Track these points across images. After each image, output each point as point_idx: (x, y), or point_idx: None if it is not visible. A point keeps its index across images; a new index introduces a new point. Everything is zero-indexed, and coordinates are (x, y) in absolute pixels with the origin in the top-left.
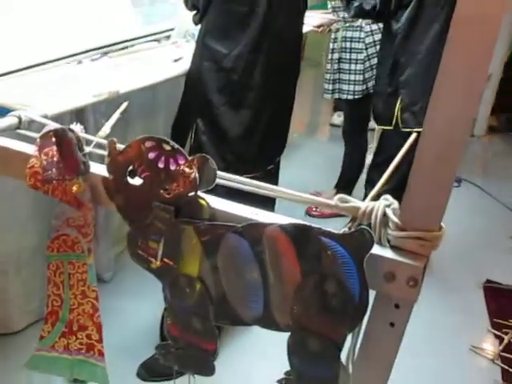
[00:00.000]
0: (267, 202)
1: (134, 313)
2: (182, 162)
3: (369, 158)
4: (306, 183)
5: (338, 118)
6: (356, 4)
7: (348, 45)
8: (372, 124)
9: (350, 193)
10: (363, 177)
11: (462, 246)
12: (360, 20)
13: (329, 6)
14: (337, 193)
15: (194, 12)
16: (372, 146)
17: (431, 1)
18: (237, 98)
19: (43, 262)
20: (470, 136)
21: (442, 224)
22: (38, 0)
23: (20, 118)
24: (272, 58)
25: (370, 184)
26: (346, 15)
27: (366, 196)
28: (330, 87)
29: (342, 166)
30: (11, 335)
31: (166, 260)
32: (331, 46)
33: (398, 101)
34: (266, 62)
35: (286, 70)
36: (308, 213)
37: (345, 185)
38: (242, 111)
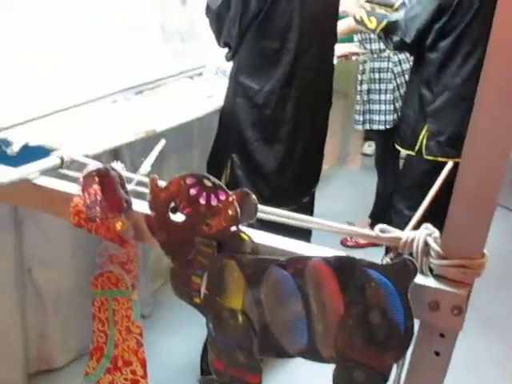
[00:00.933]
0: (304, 234)
1: (174, 347)
2: (223, 197)
3: None
4: (339, 214)
5: (369, 148)
6: (397, 38)
7: (377, 75)
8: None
9: (385, 222)
10: None
11: (500, 272)
12: (387, 51)
13: (355, 39)
14: (372, 223)
15: (227, 49)
16: None
17: (471, 34)
18: (270, 133)
19: (82, 299)
20: None
21: (484, 251)
22: (70, 43)
23: (62, 158)
24: (304, 92)
25: (392, 208)
26: (374, 47)
27: (389, 221)
28: (361, 118)
29: (376, 196)
30: (52, 372)
31: (209, 294)
32: (359, 77)
33: (425, 128)
34: (298, 96)
35: (317, 102)
36: (343, 243)
37: (380, 214)
38: (275, 146)
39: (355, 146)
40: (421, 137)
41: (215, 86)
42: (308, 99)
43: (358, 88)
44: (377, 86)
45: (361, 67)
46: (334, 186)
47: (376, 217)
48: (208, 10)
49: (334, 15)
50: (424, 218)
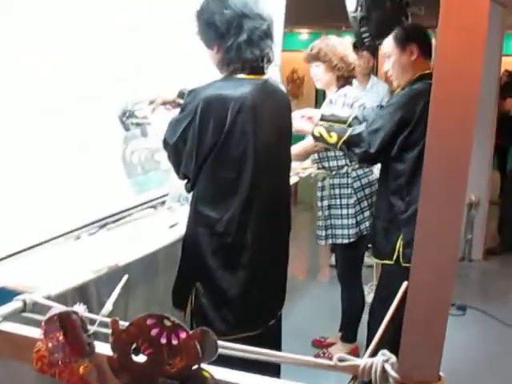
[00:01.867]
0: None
1: None
2: (183, 336)
3: (369, 296)
4: (311, 328)
5: None
6: (360, 150)
7: (337, 191)
8: (368, 261)
9: (355, 333)
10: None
11: (473, 375)
12: (346, 167)
13: (310, 158)
14: (342, 336)
15: (186, 181)
16: (372, 283)
17: None
18: (232, 260)
19: None
20: (468, 261)
21: (440, 373)
22: (29, 181)
23: (25, 302)
24: (263, 217)
25: (373, 320)
26: (332, 164)
27: (369, 331)
28: (323, 233)
29: (342, 309)
30: None
31: None
32: (319, 194)
33: (400, 237)
34: (257, 222)
35: (277, 226)
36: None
37: (349, 326)
38: (238, 272)
39: (323, 258)
40: (397, 246)
41: (178, 214)
42: (267, 223)
43: (319, 204)
44: (338, 202)
45: (320, 184)
46: (305, 300)
47: (346, 329)
48: (165, 144)
49: (288, 139)
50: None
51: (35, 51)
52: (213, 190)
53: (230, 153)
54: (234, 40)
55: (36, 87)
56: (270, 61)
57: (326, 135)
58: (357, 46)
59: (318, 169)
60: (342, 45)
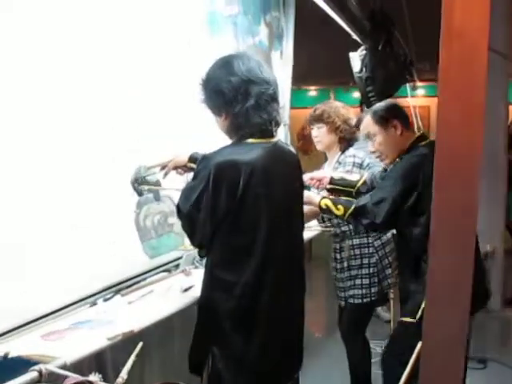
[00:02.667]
0: None
1: None
2: None
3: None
4: None
5: None
6: (367, 221)
7: (357, 251)
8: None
9: None
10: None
11: None
12: None
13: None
14: None
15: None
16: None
17: None
18: (248, 324)
19: None
20: (486, 312)
21: None
22: (44, 253)
23: (40, 372)
24: (278, 279)
25: (388, 376)
26: (346, 228)
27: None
28: (345, 294)
29: (350, 367)
30: None
31: None
32: (338, 255)
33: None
34: (274, 284)
35: (292, 287)
36: None
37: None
38: (254, 335)
39: None
40: (423, 305)
41: (193, 277)
42: (283, 285)
43: (338, 266)
44: (358, 262)
45: (337, 245)
46: (321, 357)
47: None
48: (179, 212)
49: (300, 199)
50: None
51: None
52: (228, 255)
53: (244, 217)
54: (242, 106)
55: (49, 151)
56: (277, 124)
57: (332, 208)
58: (363, 105)
59: (336, 234)
60: (344, 108)
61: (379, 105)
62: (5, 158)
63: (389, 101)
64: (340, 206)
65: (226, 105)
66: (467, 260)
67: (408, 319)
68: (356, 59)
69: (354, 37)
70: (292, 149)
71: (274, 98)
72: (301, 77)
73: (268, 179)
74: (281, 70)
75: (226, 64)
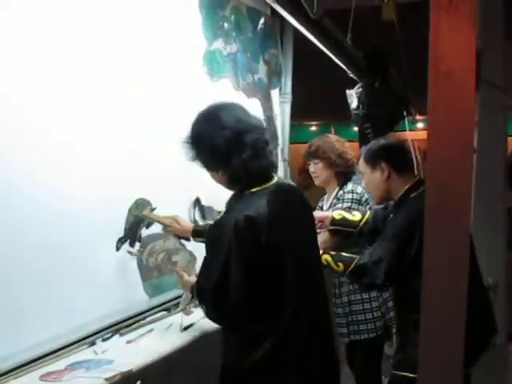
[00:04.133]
0: None
1: None
2: None
3: None
4: None
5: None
6: (366, 281)
7: (357, 286)
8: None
9: None
10: None
11: None
12: None
13: None
14: None
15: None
16: None
17: None
18: (282, 372)
19: None
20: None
21: None
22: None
23: None
24: (311, 324)
25: None
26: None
27: None
28: (346, 330)
29: None
30: None
31: None
32: (337, 291)
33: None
34: (306, 330)
35: (324, 322)
36: None
37: None
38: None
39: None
40: None
41: (192, 316)
42: (315, 331)
43: (338, 301)
44: (358, 296)
45: (336, 281)
46: None
47: None
48: (202, 292)
49: (315, 235)
50: None
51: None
52: (257, 306)
53: (270, 268)
54: (240, 158)
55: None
56: (275, 166)
57: (333, 264)
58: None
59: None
60: (339, 142)
61: (374, 142)
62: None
63: (387, 139)
64: (340, 264)
65: (222, 160)
66: (460, 311)
67: (408, 374)
68: (353, 96)
69: (351, 74)
70: (293, 184)
71: (267, 142)
72: (301, 112)
73: (283, 223)
74: (280, 106)
75: (212, 118)
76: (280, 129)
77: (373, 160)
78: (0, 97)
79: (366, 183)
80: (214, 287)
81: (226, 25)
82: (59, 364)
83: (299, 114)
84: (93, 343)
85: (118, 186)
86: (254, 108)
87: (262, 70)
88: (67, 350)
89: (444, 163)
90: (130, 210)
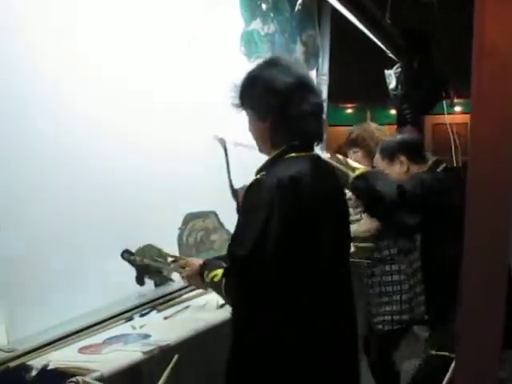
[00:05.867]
0: None
1: None
2: None
3: None
4: None
5: None
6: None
7: (389, 278)
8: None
9: None
10: None
11: None
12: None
13: None
14: None
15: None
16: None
17: None
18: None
19: None
20: None
21: None
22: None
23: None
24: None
25: None
26: (385, 253)
27: None
28: (375, 320)
29: None
30: None
31: None
32: (369, 281)
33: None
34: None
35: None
36: None
37: None
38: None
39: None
40: None
41: None
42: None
43: (370, 291)
44: (390, 289)
45: (368, 271)
46: None
47: None
48: (236, 262)
49: (347, 214)
50: None
51: None
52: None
53: (307, 235)
54: (299, 110)
55: None
56: (321, 137)
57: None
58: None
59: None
60: (379, 130)
61: (391, 137)
62: None
63: (404, 135)
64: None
65: (279, 105)
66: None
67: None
68: (391, 76)
69: (390, 54)
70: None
71: (323, 110)
72: (337, 95)
73: (321, 193)
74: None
75: (278, 64)
76: None
77: (391, 154)
78: None
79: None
80: (249, 253)
81: (263, 5)
82: (98, 338)
83: (336, 96)
84: (130, 318)
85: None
86: None
87: (299, 51)
88: (105, 324)
89: (487, 142)
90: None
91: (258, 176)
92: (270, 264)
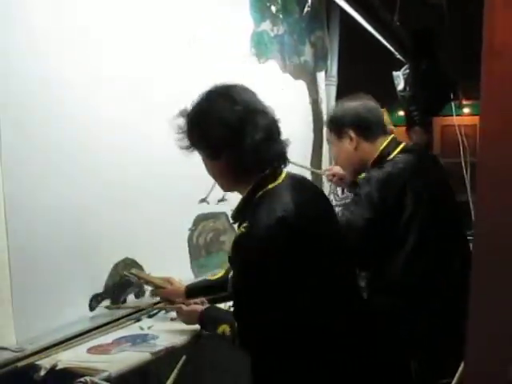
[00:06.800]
0: None
1: None
2: None
3: None
4: None
5: None
6: None
7: None
8: None
9: None
10: None
11: None
12: None
13: None
14: None
15: None
16: None
17: None
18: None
19: None
20: None
21: None
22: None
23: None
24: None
25: None
26: None
27: None
28: None
29: None
30: None
31: None
32: None
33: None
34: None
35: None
36: None
37: None
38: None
39: None
40: None
41: None
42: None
43: None
44: None
45: None
46: None
47: None
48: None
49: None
50: None
51: None
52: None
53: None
54: (252, 139)
55: None
56: (286, 161)
57: None
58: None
59: None
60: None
61: (338, 107)
62: None
63: (350, 104)
64: None
65: (231, 139)
66: None
67: None
68: (399, 78)
69: (398, 56)
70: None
71: (280, 131)
72: (346, 96)
73: (314, 219)
74: (326, 89)
75: (223, 94)
76: (325, 112)
77: (339, 127)
78: None
79: (334, 155)
80: (262, 334)
81: (273, 7)
82: (106, 338)
83: (344, 97)
84: (139, 319)
85: None
86: (299, 90)
87: (308, 53)
88: (114, 324)
89: (496, 142)
90: (116, 266)
91: (242, 229)
92: (284, 326)
